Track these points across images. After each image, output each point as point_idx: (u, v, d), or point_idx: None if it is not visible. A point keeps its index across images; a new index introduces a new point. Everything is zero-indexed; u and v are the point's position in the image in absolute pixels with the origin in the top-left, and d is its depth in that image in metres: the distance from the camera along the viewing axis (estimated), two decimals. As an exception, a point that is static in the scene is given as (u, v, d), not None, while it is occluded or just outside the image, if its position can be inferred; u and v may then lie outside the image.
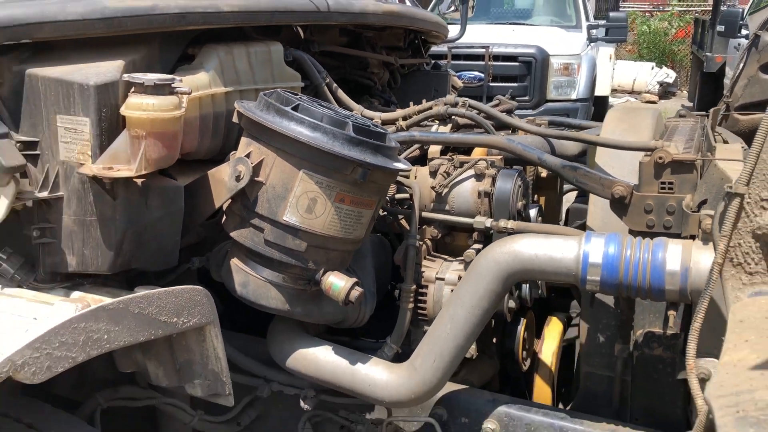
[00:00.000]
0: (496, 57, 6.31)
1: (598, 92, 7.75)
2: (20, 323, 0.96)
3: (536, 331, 1.72)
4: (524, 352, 1.63)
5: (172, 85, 1.08)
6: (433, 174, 1.50)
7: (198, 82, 1.27)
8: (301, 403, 1.42)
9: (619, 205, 1.30)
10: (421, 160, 1.60)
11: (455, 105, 1.64)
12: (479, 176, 1.47)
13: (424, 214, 1.49)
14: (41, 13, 1.08)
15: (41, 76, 1.09)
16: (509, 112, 1.80)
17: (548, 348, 1.66)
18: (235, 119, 1.22)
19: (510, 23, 7.57)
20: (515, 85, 6.48)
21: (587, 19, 7.75)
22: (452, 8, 3.05)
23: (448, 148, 1.59)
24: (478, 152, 1.60)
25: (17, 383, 0.90)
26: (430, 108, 1.66)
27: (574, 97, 6.60)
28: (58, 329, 0.91)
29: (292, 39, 1.70)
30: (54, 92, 1.08)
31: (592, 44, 7.51)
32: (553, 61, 6.50)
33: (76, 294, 1.13)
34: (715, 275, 0.89)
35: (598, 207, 1.39)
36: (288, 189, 1.17)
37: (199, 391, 1.24)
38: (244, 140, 1.22)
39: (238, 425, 1.52)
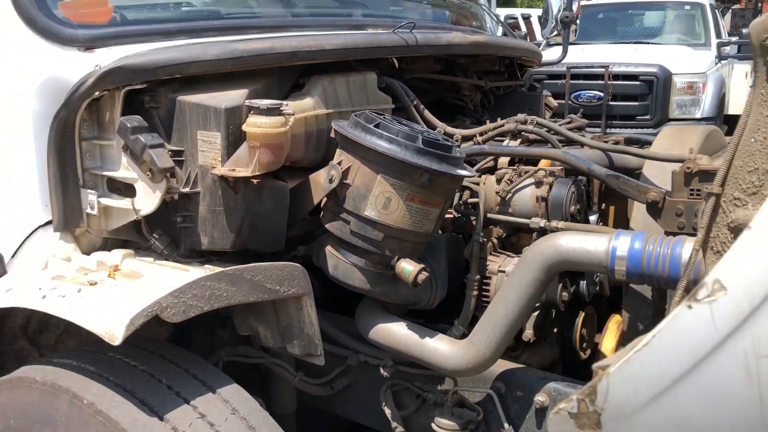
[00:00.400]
0: (617, 76, 6.36)
1: (731, 111, 7.54)
2: (166, 282, 1.32)
3: (599, 326, 1.92)
4: (584, 344, 1.83)
5: (280, 108, 1.42)
6: (499, 181, 1.75)
7: (305, 106, 1.61)
8: (381, 371, 1.71)
9: (654, 209, 1.49)
10: (493, 170, 1.86)
11: (525, 122, 1.89)
12: (538, 183, 1.70)
13: (489, 215, 1.74)
14: (188, 55, 1.46)
15: (187, 102, 1.47)
16: (580, 129, 2.01)
17: (608, 341, 1.85)
18: (332, 135, 1.55)
19: (634, 42, 7.55)
20: (636, 104, 6.49)
21: (718, 36, 7.58)
22: (555, 32, 3.24)
23: (516, 160, 1.83)
24: (543, 164, 1.83)
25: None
26: (503, 125, 1.92)
27: (698, 116, 6.51)
28: (191, 284, 1.26)
29: (389, 68, 2.02)
30: (196, 114, 1.46)
31: (722, 62, 7.34)
32: (676, 80, 6.46)
33: (206, 265, 1.49)
34: (693, 260, 1.09)
35: (639, 211, 1.59)
36: (368, 189, 1.47)
37: (297, 351, 1.56)
38: (338, 151, 1.54)
39: (331, 389, 1.83)
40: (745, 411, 0.86)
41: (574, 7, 3.20)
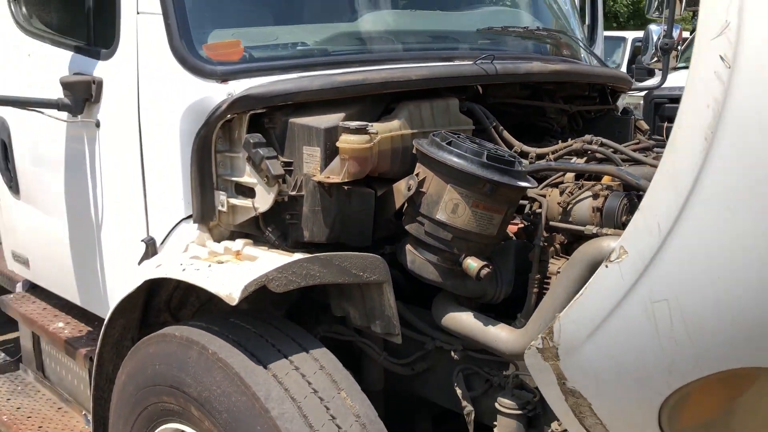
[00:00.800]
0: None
1: None
2: (274, 263, 1.68)
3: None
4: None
5: (366, 129, 1.75)
6: (562, 193, 2.00)
7: (391, 127, 1.94)
8: (452, 354, 1.99)
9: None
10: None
11: (590, 142, 2.12)
12: (595, 196, 1.93)
13: (552, 223, 1.98)
14: (298, 86, 1.84)
15: (296, 123, 1.84)
16: (647, 149, 2.21)
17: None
18: (414, 151, 1.86)
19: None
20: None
21: None
22: (654, 59, 3.37)
23: (581, 175, 2.07)
24: (606, 179, 2.05)
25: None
26: (571, 145, 2.16)
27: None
28: (291, 264, 1.62)
29: (476, 93, 2.31)
30: (302, 133, 1.83)
31: None
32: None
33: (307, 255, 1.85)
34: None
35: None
36: (440, 197, 1.77)
37: (378, 330, 1.88)
38: (417, 164, 1.86)
39: (412, 370, 2.13)
40: (649, 341, 1.13)
41: (675, 34, 3.35)
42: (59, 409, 2.78)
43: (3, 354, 3.28)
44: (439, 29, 2.58)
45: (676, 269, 1.06)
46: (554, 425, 1.84)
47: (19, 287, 2.97)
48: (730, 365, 1.09)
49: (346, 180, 1.75)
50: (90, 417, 2.32)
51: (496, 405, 1.92)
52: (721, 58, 0.96)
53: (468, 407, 2.00)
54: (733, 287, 1.04)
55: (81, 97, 2.10)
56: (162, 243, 1.98)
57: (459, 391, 2.01)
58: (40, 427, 2.65)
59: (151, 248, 1.98)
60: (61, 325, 2.59)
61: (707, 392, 1.09)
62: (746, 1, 0.93)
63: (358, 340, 2.08)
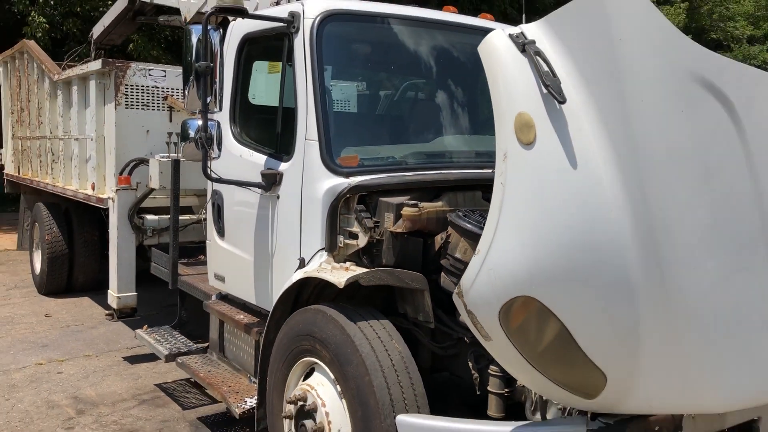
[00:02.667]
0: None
1: None
2: (363, 271, 3.24)
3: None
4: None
5: (417, 205, 3.30)
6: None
7: (436, 205, 3.46)
8: (465, 340, 3.41)
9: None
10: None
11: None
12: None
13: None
14: (387, 182, 3.44)
15: (382, 201, 3.42)
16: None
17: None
18: (447, 219, 3.37)
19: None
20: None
21: None
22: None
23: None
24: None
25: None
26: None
27: None
28: (372, 271, 3.18)
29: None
30: (384, 206, 3.40)
31: None
32: None
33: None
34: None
35: None
36: (457, 244, 3.26)
37: (420, 318, 3.36)
38: (449, 227, 3.36)
39: (445, 351, 3.54)
40: (485, 283, 2.42)
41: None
42: (233, 374, 4.41)
43: (197, 345, 5.00)
44: (480, 149, 4.10)
45: (493, 255, 2.39)
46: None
47: (213, 297, 4.69)
48: (516, 294, 2.37)
49: (403, 231, 3.29)
50: (254, 379, 3.93)
51: (489, 370, 3.30)
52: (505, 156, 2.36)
53: (475, 375, 3.39)
54: (515, 260, 2.36)
55: (270, 182, 3.82)
56: (308, 262, 3.60)
57: (470, 364, 3.41)
58: (222, 381, 4.28)
59: (302, 264, 3.60)
60: (241, 316, 4.25)
61: (516, 308, 2.42)
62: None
63: (414, 329, 3.55)
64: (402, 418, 2.84)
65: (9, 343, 6.47)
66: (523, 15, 5.03)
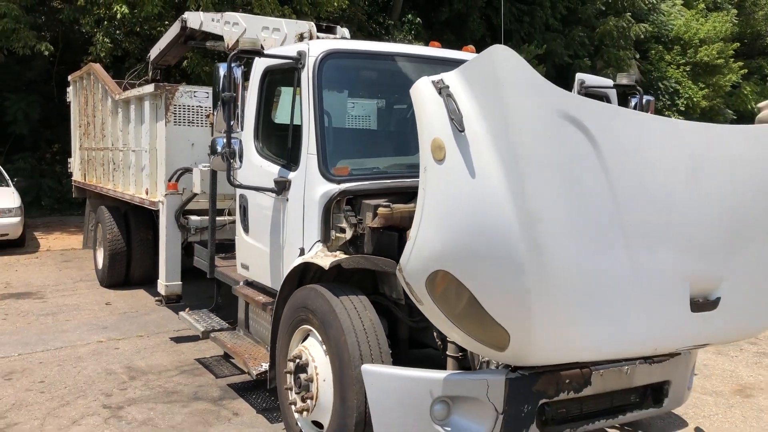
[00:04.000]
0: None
1: None
2: (346, 257, 4.15)
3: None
4: None
5: (390, 206, 4.19)
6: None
7: (408, 206, 4.34)
8: (430, 312, 4.27)
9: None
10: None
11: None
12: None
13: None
14: (367, 188, 4.33)
15: (364, 202, 4.32)
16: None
17: None
18: (416, 217, 4.24)
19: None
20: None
21: None
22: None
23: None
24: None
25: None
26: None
27: None
28: (353, 257, 4.07)
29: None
30: (366, 207, 4.29)
31: None
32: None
33: (364, 258, 4.31)
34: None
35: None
36: (420, 237, 4.13)
37: (394, 296, 4.24)
38: (416, 223, 4.23)
39: (417, 324, 4.41)
40: (416, 256, 3.24)
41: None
42: (254, 345, 5.36)
43: (228, 324, 5.97)
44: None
45: (419, 241, 3.20)
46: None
47: (241, 283, 5.66)
48: (436, 268, 3.21)
49: (379, 226, 4.17)
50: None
51: (447, 338, 4.15)
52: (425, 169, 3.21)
53: (439, 342, 4.23)
54: (433, 244, 3.17)
55: (281, 187, 4.75)
56: (308, 251, 4.52)
57: (435, 334, 4.26)
58: (245, 350, 5.23)
59: (301, 252, 4.53)
60: (260, 297, 5.20)
61: (437, 280, 3.24)
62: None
63: (391, 306, 4.42)
64: (365, 367, 3.71)
65: (75, 325, 7.59)
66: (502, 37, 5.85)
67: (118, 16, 14.58)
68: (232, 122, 4.55)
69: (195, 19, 9.03)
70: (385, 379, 3.66)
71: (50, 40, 17.06)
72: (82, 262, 11.37)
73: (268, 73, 5.23)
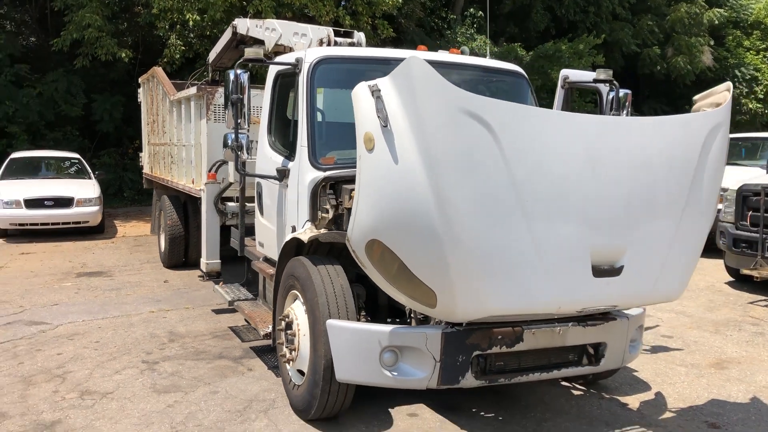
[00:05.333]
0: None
1: None
2: (324, 233, 4.92)
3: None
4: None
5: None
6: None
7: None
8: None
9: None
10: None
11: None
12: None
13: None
14: (345, 174, 5.09)
15: (343, 186, 5.08)
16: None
17: None
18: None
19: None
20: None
21: None
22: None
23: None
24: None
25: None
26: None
27: None
28: (328, 232, 4.84)
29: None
30: (343, 190, 5.06)
31: None
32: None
33: (342, 234, 5.08)
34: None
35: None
36: (388, 216, 4.87)
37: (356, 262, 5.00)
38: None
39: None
40: (357, 229, 4.00)
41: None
42: (267, 311, 6.22)
43: (252, 296, 6.86)
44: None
45: (358, 215, 3.90)
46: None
47: (260, 258, 6.53)
48: (369, 238, 3.92)
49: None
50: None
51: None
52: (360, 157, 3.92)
53: (408, 307, 4.95)
54: (367, 217, 3.83)
55: (282, 175, 5.57)
56: (299, 228, 5.32)
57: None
58: (259, 315, 6.10)
59: (293, 230, 5.33)
60: (270, 270, 6.04)
61: (374, 247, 3.92)
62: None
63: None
64: (329, 321, 4.47)
65: (134, 299, 8.71)
66: (487, 43, 6.44)
67: (190, 23, 15.83)
68: (239, 120, 5.40)
69: (243, 25, 10.03)
70: (343, 332, 4.41)
71: (131, 44, 18.60)
72: (152, 246, 12.62)
73: (279, 77, 6.06)
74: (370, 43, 17.05)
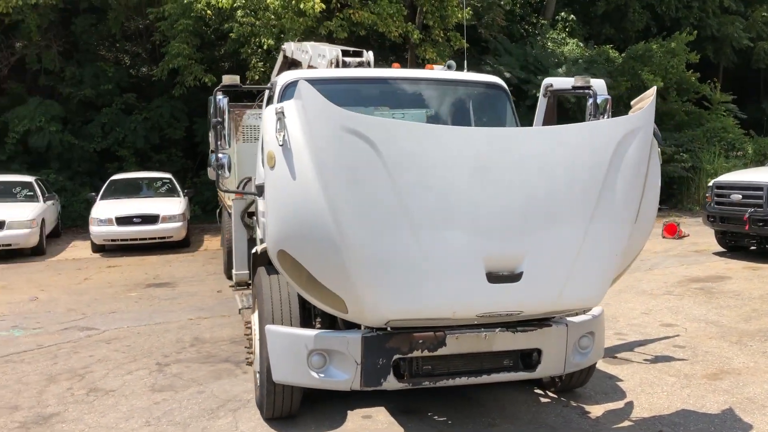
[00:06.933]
0: None
1: None
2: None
3: None
4: None
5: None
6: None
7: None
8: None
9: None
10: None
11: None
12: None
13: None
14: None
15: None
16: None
17: None
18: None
19: None
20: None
21: None
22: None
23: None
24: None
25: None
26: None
27: None
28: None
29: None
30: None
31: None
32: None
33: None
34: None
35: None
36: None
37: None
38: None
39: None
40: (271, 234, 4.33)
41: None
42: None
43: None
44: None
45: (267, 227, 4.19)
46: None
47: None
48: (278, 248, 4.22)
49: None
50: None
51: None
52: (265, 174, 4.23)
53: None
54: (273, 229, 4.11)
55: (261, 190, 5.99)
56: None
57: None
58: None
59: (261, 242, 5.74)
60: (262, 280, 6.49)
61: (283, 257, 4.19)
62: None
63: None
64: (267, 326, 4.82)
65: (182, 308, 9.47)
66: (465, 63, 6.63)
67: (265, 47, 16.80)
68: (219, 141, 5.89)
69: (288, 48, 10.74)
70: (277, 336, 4.75)
71: (219, 69, 19.91)
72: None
73: (268, 100, 6.52)
74: (444, 55, 17.31)
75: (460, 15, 17.33)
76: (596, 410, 5.36)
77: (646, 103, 4.54)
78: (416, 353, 4.54)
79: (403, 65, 17.65)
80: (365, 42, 18.13)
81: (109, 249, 15.11)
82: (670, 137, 21.63)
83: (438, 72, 6.41)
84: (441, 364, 4.70)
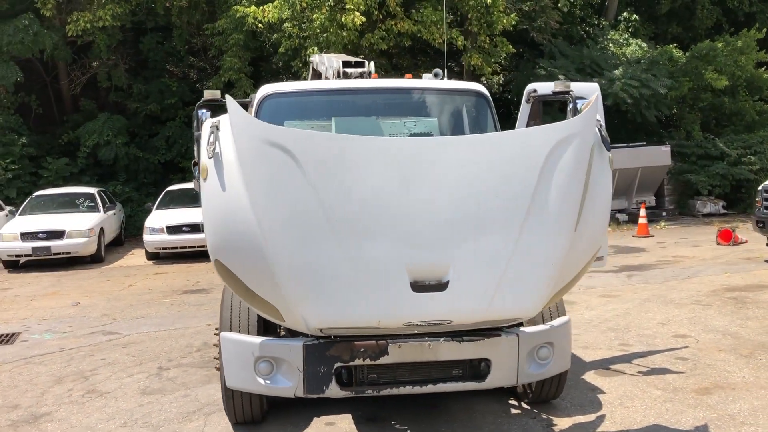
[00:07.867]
0: None
1: None
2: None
3: None
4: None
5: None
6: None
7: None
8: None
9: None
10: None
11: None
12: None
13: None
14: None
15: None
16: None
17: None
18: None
19: None
20: None
21: None
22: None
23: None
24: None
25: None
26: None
27: None
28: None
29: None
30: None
31: None
32: None
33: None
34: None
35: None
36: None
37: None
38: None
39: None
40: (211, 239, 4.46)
41: None
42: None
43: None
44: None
45: (206, 237, 4.29)
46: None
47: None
48: (214, 258, 4.32)
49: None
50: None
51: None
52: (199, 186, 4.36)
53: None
54: (209, 239, 4.23)
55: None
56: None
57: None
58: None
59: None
60: (250, 288, 6.66)
61: (220, 265, 4.30)
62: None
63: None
64: (222, 333, 4.96)
65: (206, 314, 9.78)
66: (445, 71, 6.60)
67: (310, 58, 17.14)
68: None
69: (314, 60, 10.97)
70: (229, 343, 4.88)
71: (272, 82, 20.41)
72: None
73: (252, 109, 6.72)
74: (490, 62, 17.16)
75: (506, 21, 17.13)
76: (563, 423, 5.23)
77: (586, 107, 4.43)
78: (358, 361, 4.57)
79: (452, 74, 17.63)
80: (410, 52, 18.21)
81: (163, 257, 15.74)
82: (736, 139, 20.62)
83: (417, 81, 6.42)
84: (387, 372, 4.71)
